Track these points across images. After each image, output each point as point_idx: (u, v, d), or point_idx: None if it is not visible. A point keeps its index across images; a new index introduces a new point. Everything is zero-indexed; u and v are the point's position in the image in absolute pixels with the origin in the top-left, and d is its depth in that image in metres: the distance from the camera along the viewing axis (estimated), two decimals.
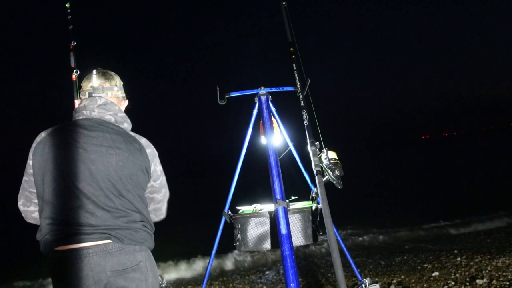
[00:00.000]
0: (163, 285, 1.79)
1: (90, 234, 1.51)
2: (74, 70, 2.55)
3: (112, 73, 1.85)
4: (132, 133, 1.75)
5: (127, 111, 1.88)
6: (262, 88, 2.69)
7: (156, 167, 1.74)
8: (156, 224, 1.82)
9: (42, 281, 7.21)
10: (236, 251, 2.64)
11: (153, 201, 1.80)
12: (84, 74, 1.86)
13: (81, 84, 1.83)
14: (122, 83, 1.87)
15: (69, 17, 2.72)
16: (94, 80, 1.78)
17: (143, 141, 1.73)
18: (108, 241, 1.53)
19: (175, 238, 9.63)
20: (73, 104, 2.44)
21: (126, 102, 1.88)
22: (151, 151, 1.73)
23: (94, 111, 1.70)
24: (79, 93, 1.84)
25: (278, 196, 2.10)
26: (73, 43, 2.66)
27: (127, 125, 1.76)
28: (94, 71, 1.81)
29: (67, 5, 2.75)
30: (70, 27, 2.71)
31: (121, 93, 1.84)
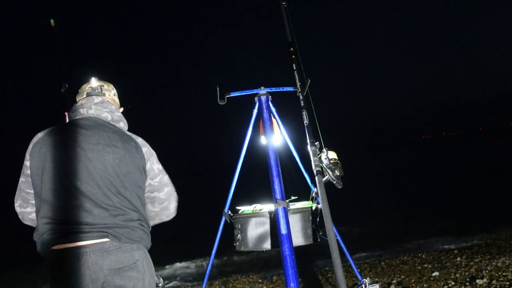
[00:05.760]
0: (160, 285, 1.78)
1: (87, 233, 1.51)
2: (63, 84, 2.54)
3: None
4: (128, 133, 1.76)
5: (126, 112, 1.90)
6: (262, 88, 2.68)
7: (153, 165, 1.73)
8: (156, 224, 1.82)
9: (39, 282, 7.21)
10: (236, 251, 2.64)
11: (157, 200, 1.78)
12: (74, 87, 1.89)
13: (79, 90, 1.86)
14: (117, 93, 1.93)
15: (55, 33, 2.66)
16: (93, 82, 1.84)
17: (139, 140, 1.74)
18: (106, 239, 1.53)
19: (174, 238, 9.63)
20: (63, 116, 2.44)
21: (121, 110, 1.92)
22: (147, 150, 1.73)
23: (91, 109, 1.72)
24: (76, 97, 1.86)
25: (278, 196, 2.10)
26: (62, 59, 2.65)
27: (123, 124, 1.79)
28: (93, 77, 1.86)
29: (52, 21, 2.68)
30: (57, 44, 2.68)
31: (117, 99, 1.91)
